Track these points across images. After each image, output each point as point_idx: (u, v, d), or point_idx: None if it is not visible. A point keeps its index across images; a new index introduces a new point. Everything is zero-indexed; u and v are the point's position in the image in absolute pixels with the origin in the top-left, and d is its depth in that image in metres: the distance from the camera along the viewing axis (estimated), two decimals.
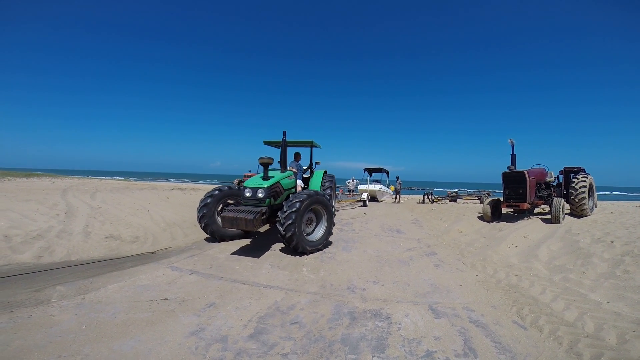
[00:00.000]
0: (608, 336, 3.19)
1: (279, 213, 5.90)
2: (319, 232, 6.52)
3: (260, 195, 6.13)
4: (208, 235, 7.07)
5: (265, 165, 6.38)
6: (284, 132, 7.42)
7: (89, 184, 21.78)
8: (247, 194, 6.27)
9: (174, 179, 60.86)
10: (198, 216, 6.76)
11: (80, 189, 17.11)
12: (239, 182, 22.82)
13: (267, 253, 6.04)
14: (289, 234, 5.69)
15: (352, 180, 22.45)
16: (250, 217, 5.58)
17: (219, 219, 6.92)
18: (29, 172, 26.01)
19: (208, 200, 6.85)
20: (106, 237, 7.32)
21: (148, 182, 38.39)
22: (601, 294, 4.17)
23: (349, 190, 21.60)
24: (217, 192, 7.12)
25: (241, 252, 6.05)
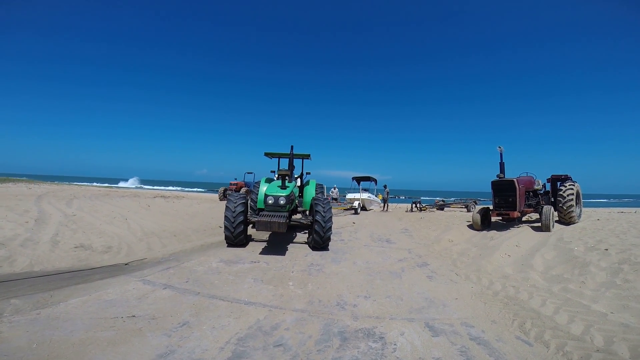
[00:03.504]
0: (620, 350, 2.95)
1: (317, 217, 6.98)
2: None
3: (282, 202, 6.94)
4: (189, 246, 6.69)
5: (283, 176, 7.34)
6: (292, 147, 8.54)
7: (68, 191, 20.86)
8: (270, 201, 6.97)
9: (173, 187, 59.43)
10: (233, 224, 6.83)
11: (57, 196, 16.33)
12: (225, 191, 22.27)
13: (249, 265, 5.63)
14: (329, 233, 7.08)
15: (334, 189, 22.25)
16: (282, 220, 6.46)
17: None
18: (6, 177, 24.78)
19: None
20: (75, 247, 6.80)
21: (131, 189, 37.31)
22: (604, 305, 3.95)
23: (333, 199, 21.37)
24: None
25: (222, 264, 5.62)
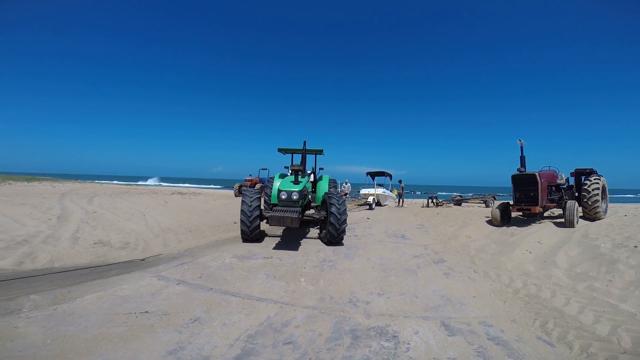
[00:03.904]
0: None
1: (332, 209, 6.87)
2: None
3: (295, 197, 6.94)
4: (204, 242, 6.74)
5: (296, 172, 7.47)
6: (304, 142, 8.53)
7: (90, 189, 21.53)
8: (283, 197, 6.98)
9: (187, 184, 60.66)
10: (250, 218, 6.85)
11: (79, 193, 16.87)
12: (240, 187, 22.48)
13: (262, 261, 5.61)
14: (344, 226, 7.02)
15: (346, 184, 22.09)
16: (295, 215, 6.47)
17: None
18: (32, 176, 25.85)
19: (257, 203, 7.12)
20: (95, 243, 6.96)
21: (150, 187, 38.23)
22: (634, 304, 3.71)
23: (345, 194, 21.23)
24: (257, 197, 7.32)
25: (236, 260, 5.62)
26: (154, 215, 10.61)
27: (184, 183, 66.96)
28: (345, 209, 7.11)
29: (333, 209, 6.90)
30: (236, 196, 21.17)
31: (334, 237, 6.99)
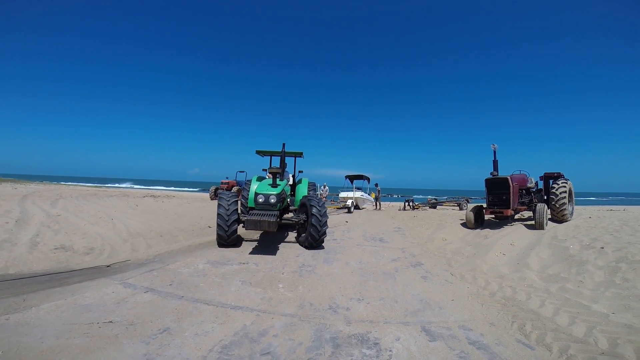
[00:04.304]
0: (626, 352, 2.80)
1: (313, 211, 6.79)
2: None
3: (272, 200, 6.77)
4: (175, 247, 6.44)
5: (274, 174, 7.21)
6: (284, 145, 8.43)
7: (55, 190, 20.35)
8: (260, 200, 6.79)
9: (162, 187, 58.41)
10: (227, 222, 6.57)
11: (42, 196, 15.89)
12: (216, 190, 21.95)
13: (237, 267, 5.40)
14: (325, 228, 6.95)
15: (324, 187, 22.12)
16: (273, 219, 6.27)
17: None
18: None
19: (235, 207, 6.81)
20: (55, 248, 6.49)
21: (121, 189, 36.66)
22: (605, 305, 3.82)
23: (323, 197, 21.23)
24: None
25: (209, 265, 5.38)
26: (123, 219, 10.07)
27: (158, 185, 64.66)
28: (326, 211, 7.09)
29: (314, 211, 6.82)
30: (212, 199, 20.66)
31: (315, 239, 6.91)
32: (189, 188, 57.69)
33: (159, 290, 4.13)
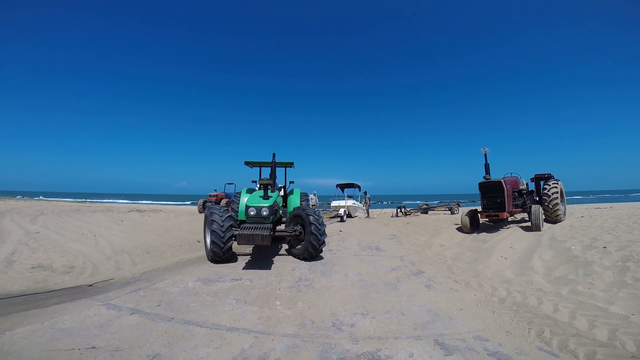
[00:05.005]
0: None
1: (311, 220, 6.64)
2: None
3: (265, 213, 6.52)
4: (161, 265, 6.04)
5: (265, 186, 6.90)
6: (274, 155, 8.07)
7: (36, 207, 19.54)
8: (252, 213, 6.52)
9: (149, 201, 56.87)
10: (223, 239, 6.17)
11: (22, 212, 15.23)
12: (204, 203, 21.41)
13: (230, 284, 5.04)
14: (324, 237, 6.80)
15: (314, 195, 21.97)
16: (266, 232, 6.01)
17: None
18: None
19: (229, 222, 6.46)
20: (33, 267, 6.04)
21: (105, 204, 35.55)
22: (622, 306, 3.64)
23: (313, 206, 20.98)
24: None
25: (200, 283, 5.01)
26: (107, 235, 9.58)
27: (144, 200, 63.01)
28: (323, 220, 6.94)
29: (312, 219, 6.69)
30: (200, 212, 20.12)
31: (316, 249, 6.73)
32: (176, 201, 56.31)
33: (146, 312, 3.76)
